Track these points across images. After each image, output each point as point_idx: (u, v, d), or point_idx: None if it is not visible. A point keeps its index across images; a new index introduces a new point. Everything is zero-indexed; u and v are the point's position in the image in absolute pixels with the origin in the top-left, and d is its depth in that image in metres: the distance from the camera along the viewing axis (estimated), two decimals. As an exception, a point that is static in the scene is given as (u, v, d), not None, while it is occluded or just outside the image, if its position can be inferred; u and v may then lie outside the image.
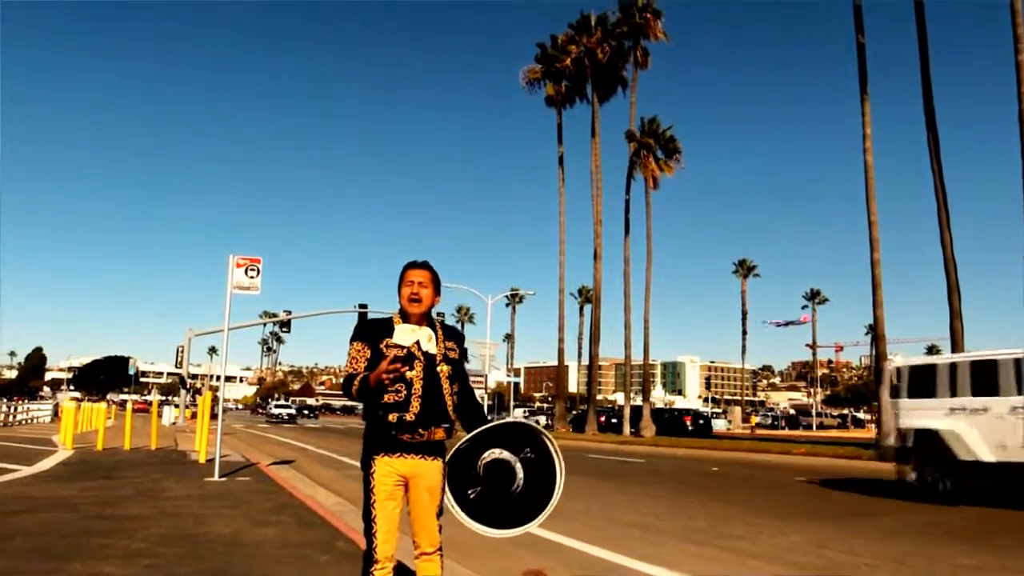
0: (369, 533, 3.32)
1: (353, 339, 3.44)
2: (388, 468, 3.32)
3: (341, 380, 3.63)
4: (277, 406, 64.83)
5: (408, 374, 3.30)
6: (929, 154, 25.33)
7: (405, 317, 3.45)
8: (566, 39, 43.12)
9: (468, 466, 3.49)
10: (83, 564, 5.45)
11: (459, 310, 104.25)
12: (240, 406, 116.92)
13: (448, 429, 3.41)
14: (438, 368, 3.38)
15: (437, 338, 3.44)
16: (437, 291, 3.52)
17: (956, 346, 24.54)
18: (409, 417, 3.29)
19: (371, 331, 3.43)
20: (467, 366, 3.73)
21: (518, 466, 3.51)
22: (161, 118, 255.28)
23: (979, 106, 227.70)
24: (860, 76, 27.32)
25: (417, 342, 3.38)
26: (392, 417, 3.29)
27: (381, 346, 3.36)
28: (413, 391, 3.31)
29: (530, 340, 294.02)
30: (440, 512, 3.42)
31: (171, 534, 6.72)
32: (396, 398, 3.30)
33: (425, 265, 3.53)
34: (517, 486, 3.51)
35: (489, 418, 3.60)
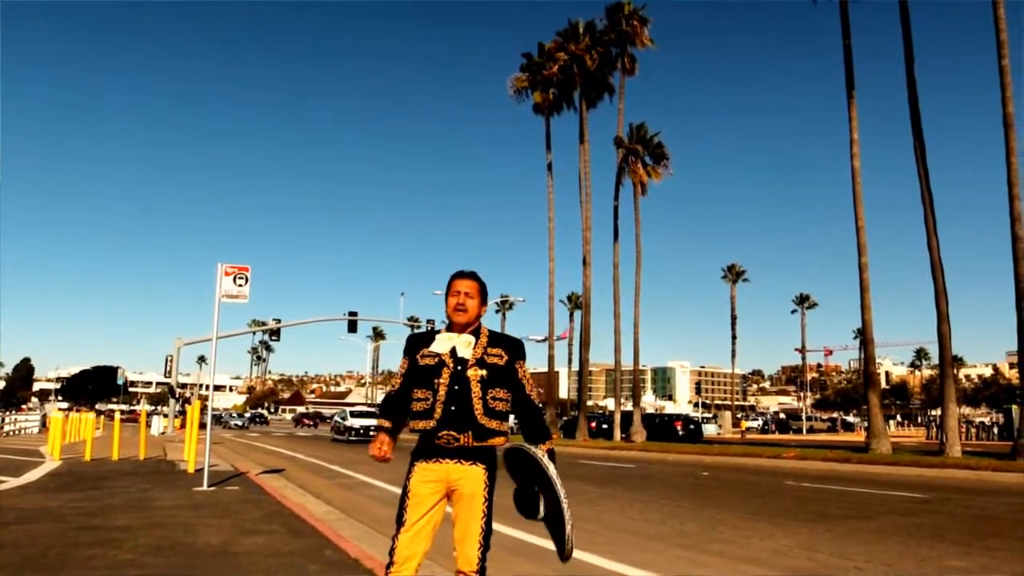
0: (396, 534, 3.28)
1: (402, 355, 3.54)
2: (424, 474, 3.33)
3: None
4: (356, 415, 38.52)
5: (435, 381, 3.34)
6: (915, 159, 25.49)
7: (451, 327, 3.47)
8: (554, 47, 43.18)
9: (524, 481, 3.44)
10: (71, 575, 5.42)
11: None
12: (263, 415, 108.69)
13: (481, 434, 3.32)
14: (468, 372, 3.34)
15: (477, 344, 3.42)
16: (484, 301, 3.53)
17: (944, 349, 24.69)
18: (431, 424, 3.30)
19: (413, 344, 3.49)
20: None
21: (541, 498, 3.40)
22: (149, 126, 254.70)
23: (965, 112, 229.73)
24: (847, 82, 27.49)
25: (453, 349, 3.38)
26: (418, 425, 3.35)
27: (418, 356, 3.44)
28: (437, 398, 3.32)
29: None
30: (486, 532, 3.32)
31: (160, 544, 6.68)
32: (424, 406, 3.34)
33: (472, 276, 3.54)
34: (542, 515, 3.40)
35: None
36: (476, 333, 3.46)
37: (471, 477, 3.31)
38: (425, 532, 3.28)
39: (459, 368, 3.35)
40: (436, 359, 3.37)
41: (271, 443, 33.51)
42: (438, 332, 3.49)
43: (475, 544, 3.29)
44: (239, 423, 66.98)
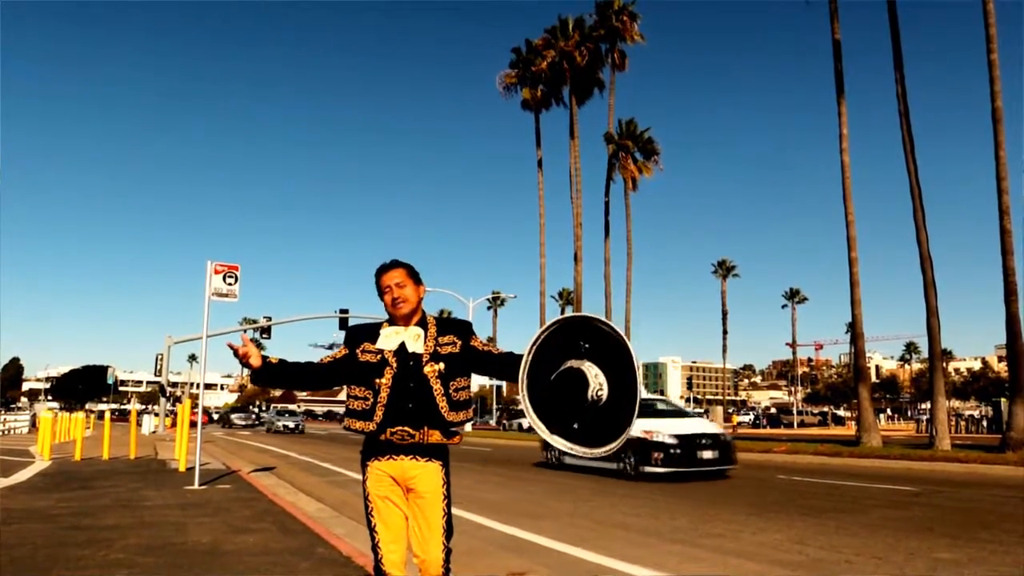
0: (373, 544, 3.17)
1: (343, 343, 3.37)
2: (379, 472, 3.19)
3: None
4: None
5: (376, 381, 3.17)
6: (904, 153, 25.57)
7: (394, 321, 3.31)
8: (542, 43, 43.20)
9: (548, 395, 3.04)
10: (61, 575, 5.39)
11: (440, 313, 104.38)
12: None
13: (448, 431, 3.19)
14: (425, 369, 3.20)
15: (427, 335, 3.26)
16: (418, 282, 3.35)
17: (933, 343, 24.80)
18: (371, 427, 3.15)
19: (355, 335, 3.32)
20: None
21: (585, 366, 2.95)
22: (137, 123, 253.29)
23: (954, 106, 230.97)
24: (836, 75, 27.52)
25: (402, 344, 3.22)
26: (355, 424, 3.21)
27: (358, 351, 3.25)
28: (379, 399, 3.15)
29: (512, 343, 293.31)
30: (447, 532, 3.18)
31: (150, 543, 6.65)
32: (363, 406, 3.19)
33: (394, 264, 3.35)
34: (595, 392, 2.93)
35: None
36: (423, 324, 3.30)
37: (428, 473, 3.18)
38: (401, 532, 3.18)
39: (411, 364, 3.19)
40: (378, 356, 3.21)
41: (263, 441, 33.45)
42: (380, 324, 3.32)
43: (439, 546, 3.13)
44: (290, 424, 48.11)
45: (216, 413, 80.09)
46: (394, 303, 3.27)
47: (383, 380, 3.18)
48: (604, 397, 2.93)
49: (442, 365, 3.23)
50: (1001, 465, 17.35)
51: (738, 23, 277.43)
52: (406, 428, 3.14)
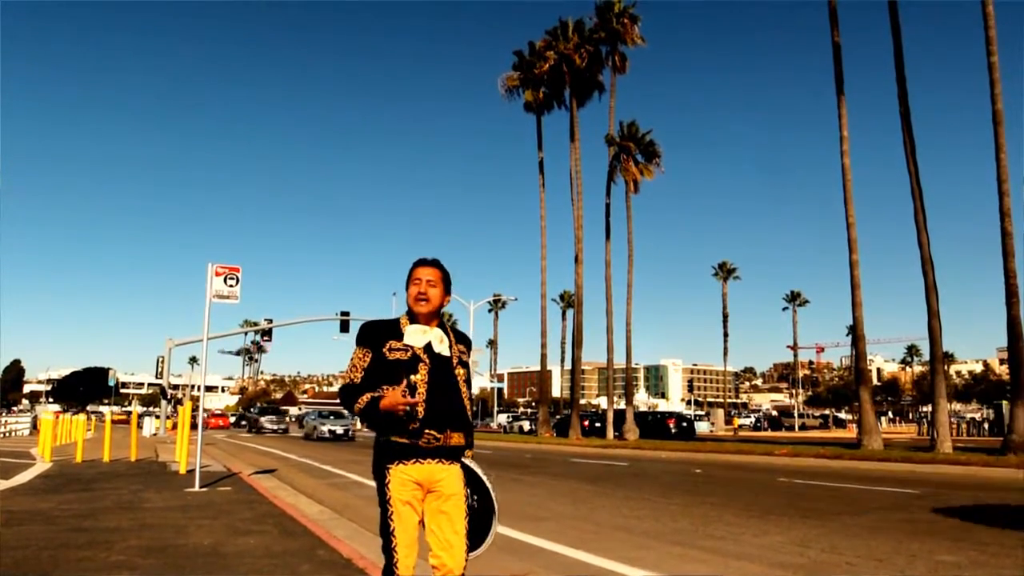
0: (388, 547, 3.14)
1: (356, 343, 3.27)
2: (404, 476, 3.15)
3: (339, 387, 3.44)
4: None
5: (413, 378, 3.15)
6: (905, 155, 25.58)
7: (413, 318, 3.29)
8: (543, 45, 43.18)
9: None
10: (61, 577, 5.40)
11: (441, 316, 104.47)
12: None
13: (469, 433, 3.29)
14: (456, 371, 3.27)
15: (450, 341, 3.31)
16: (447, 291, 3.36)
17: (934, 345, 24.80)
18: (414, 424, 3.12)
19: (374, 334, 3.23)
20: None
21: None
22: (140, 126, 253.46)
23: (955, 108, 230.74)
24: (836, 77, 27.55)
25: (429, 343, 3.23)
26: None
27: (384, 350, 3.19)
28: (417, 395, 3.13)
29: (513, 345, 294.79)
30: (470, 531, 3.22)
31: (151, 546, 6.65)
32: None
33: (435, 263, 3.37)
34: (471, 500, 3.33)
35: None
36: (443, 329, 3.34)
37: (452, 476, 3.21)
38: (416, 538, 3.18)
39: (438, 364, 3.22)
40: (408, 353, 3.18)
41: (263, 443, 33.42)
42: (398, 320, 3.31)
43: (463, 547, 3.18)
44: (337, 429, 37.81)
45: (233, 415, 74.79)
46: (417, 298, 3.28)
47: (419, 377, 3.17)
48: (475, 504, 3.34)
49: (464, 371, 3.34)
50: (1002, 468, 17.33)
51: (738, 24, 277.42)
52: (432, 431, 3.15)
